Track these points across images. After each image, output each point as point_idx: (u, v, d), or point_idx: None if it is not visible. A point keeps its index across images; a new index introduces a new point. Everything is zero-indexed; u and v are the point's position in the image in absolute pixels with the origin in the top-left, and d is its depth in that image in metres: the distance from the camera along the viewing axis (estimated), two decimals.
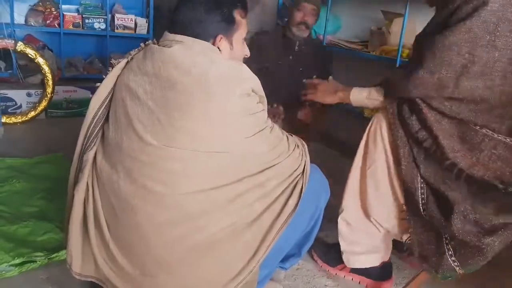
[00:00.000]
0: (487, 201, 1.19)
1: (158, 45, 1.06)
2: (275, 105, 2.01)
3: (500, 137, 1.17)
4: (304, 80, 1.62)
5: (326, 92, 1.51)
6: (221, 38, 1.07)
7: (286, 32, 2.34)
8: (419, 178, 1.26)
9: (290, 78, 2.26)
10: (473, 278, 1.54)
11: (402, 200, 1.34)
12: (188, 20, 1.05)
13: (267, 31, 2.56)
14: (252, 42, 2.36)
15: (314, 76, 1.98)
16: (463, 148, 1.20)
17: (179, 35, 1.04)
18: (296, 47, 2.32)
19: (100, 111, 1.11)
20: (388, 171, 1.35)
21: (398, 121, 1.28)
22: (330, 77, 1.55)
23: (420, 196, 1.26)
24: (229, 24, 1.08)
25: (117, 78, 1.10)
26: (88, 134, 1.12)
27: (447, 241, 1.26)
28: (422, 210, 1.26)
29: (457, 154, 1.19)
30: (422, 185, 1.26)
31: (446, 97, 1.18)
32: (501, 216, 1.16)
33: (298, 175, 1.13)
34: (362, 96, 1.40)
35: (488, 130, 1.18)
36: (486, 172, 1.18)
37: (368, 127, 1.38)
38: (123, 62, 1.10)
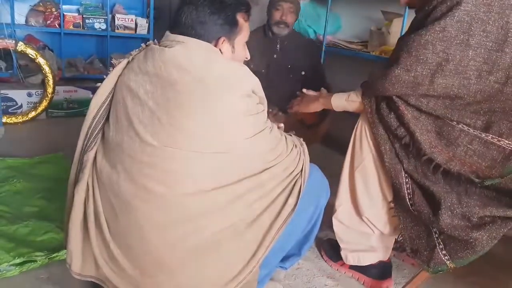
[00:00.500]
0: (470, 194, 1.21)
1: (159, 45, 1.06)
2: (274, 111, 1.99)
3: (475, 132, 1.19)
4: (297, 92, 1.65)
5: (309, 101, 1.56)
6: (224, 40, 1.07)
7: (266, 32, 2.31)
8: (403, 173, 1.29)
9: (280, 76, 2.24)
10: (473, 277, 1.55)
11: (390, 198, 1.38)
12: (191, 21, 1.05)
13: None
14: None
15: (303, 73, 1.93)
16: (440, 143, 1.22)
17: (181, 36, 1.04)
18: (278, 45, 2.29)
19: (101, 111, 1.11)
20: (375, 170, 1.38)
21: (377, 119, 1.32)
22: (323, 89, 1.58)
23: (406, 191, 1.29)
24: (232, 27, 1.08)
25: (118, 78, 1.10)
26: (89, 134, 1.12)
27: (436, 235, 1.28)
28: (410, 205, 1.29)
29: (434, 149, 1.22)
30: (407, 180, 1.29)
31: (422, 94, 1.20)
32: (488, 209, 1.17)
33: (297, 175, 1.13)
34: (342, 100, 1.44)
35: (464, 126, 1.20)
36: (463, 167, 1.20)
37: (355, 129, 1.42)
38: (124, 62, 1.10)
